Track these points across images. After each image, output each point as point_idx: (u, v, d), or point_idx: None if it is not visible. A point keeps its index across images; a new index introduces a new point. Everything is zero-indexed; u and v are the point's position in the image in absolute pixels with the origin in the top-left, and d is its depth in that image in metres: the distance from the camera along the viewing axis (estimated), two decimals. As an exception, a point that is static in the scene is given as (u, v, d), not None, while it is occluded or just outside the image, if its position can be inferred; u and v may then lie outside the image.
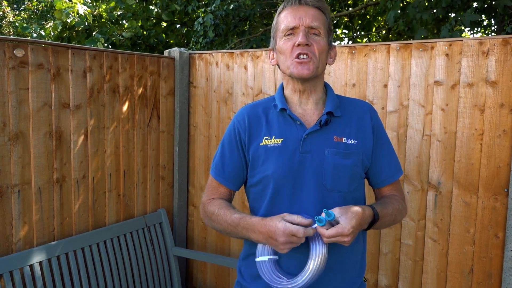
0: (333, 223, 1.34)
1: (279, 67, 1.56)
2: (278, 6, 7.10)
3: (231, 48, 6.45)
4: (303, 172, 1.49)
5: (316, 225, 1.34)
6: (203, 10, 6.66)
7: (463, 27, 4.59)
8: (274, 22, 1.55)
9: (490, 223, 2.42)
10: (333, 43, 1.57)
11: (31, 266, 2.51)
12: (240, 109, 1.66)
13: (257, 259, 1.47)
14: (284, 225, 1.33)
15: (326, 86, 1.62)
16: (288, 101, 1.57)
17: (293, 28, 1.46)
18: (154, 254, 3.29)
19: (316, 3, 1.48)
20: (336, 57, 1.61)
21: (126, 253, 3.06)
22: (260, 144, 1.54)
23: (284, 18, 1.49)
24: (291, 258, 1.48)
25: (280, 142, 1.51)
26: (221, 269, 3.54)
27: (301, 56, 1.45)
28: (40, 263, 2.56)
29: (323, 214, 1.34)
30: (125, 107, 3.13)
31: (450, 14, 4.86)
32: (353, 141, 1.52)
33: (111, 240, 2.99)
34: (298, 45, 1.44)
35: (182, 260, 3.65)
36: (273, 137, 1.53)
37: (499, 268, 2.41)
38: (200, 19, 6.23)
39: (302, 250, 1.42)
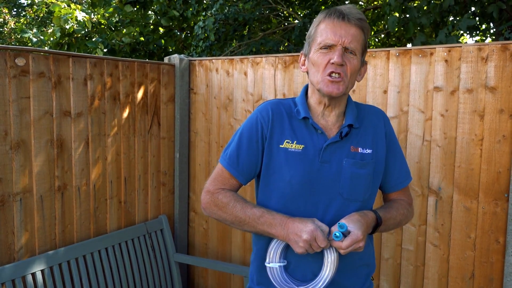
0: (345, 233, 1.38)
1: (307, 75, 1.56)
2: (278, 11, 7.14)
3: (230, 52, 6.47)
4: (321, 181, 1.51)
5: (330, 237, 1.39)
6: (203, 14, 6.69)
7: (461, 31, 4.60)
8: (312, 29, 1.52)
9: (490, 228, 2.43)
10: (365, 60, 1.56)
11: (33, 275, 2.51)
12: (263, 103, 1.63)
13: (267, 264, 1.49)
14: (316, 227, 1.37)
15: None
16: (311, 110, 1.57)
17: (331, 45, 1.44)
18: (156, 260, 3.29)
19: (359, 22, 1.45)
20: (365, 73, 1.61)
21: (127, 260, 3.06)
22: (281, 146, 1.54)
23: (323, 31, 1.45)
24: (301, 263, 1.51)
25: (301, 148, 1.52)
26: (222, 275, 3.54)
27: (333, 75, 1.44)
28: (42, 271, 2.56)
29: (336, 227, 1.38)
30: (125, 114, 3.14)
31: (448, 18, 4.88)
32: (369, 151, 1.55)
33: (113, 247, 2.99)
34: (333, 63, 1.43)
35: (184, 267, 3.65)
36: (295, 142, 1.53)
37: (500, 273, 2.42)
38: (200, 23, 6.26)
39: (312, 256, 1.46)
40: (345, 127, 1.53)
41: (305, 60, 1.57)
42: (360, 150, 1.53)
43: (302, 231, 1.37)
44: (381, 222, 1.50)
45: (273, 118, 1.56)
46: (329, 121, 1.56)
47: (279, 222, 1.43)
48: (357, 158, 1.52)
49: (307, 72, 1.55)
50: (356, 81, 1.55)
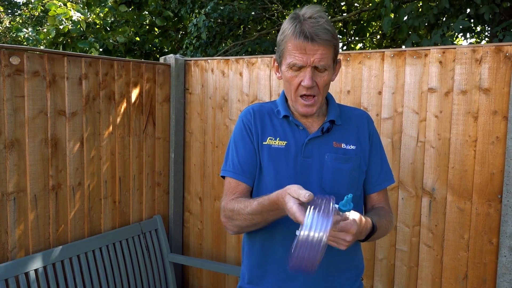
0: (341, 215, 1.25)
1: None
2: (273, 10, 7.15)
3: (225, 51, 6.47)
4: (305, 176, 1.52)
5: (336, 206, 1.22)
6: (197, 11, 6.69)
7: (455, 33, 4.63)
8: (281, 41, 1.49)
9: (484, 229, 2.44)
10: (338, 59, 1.55)
11: (27, 274, 2.50)
12: (246, 107, 1.68)
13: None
14: (291, 206, 1.22)
15: (328, 97, 1.65)
16: (291, 110, 1.60)
17: (300, 67, 1.43)
18: (150, 260, 3.29)
19: (326, 42, 1.41)
20: (339, 69, 1.61)
21: (122, 260, 3.06)
22: (264, 143, 1.57)
23: (291, 52, 1.43)
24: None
25: (284, 144, 1.55)
26: (217, 275, 3.54)
27: (307, 97, 1.47)
28: (36, 270, 2.55)
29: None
30: (120, 114, 3.13)
31: (442, 19, 4.90)
32: (352, 147, 1.57)
33: (107, 247, 2.98)
34: (304, 86, 1.44)
35: (178, 267, 3.65)
36: (277, 138, 1.56)
37: (493, 274, 2.43)
38: (194, 20, 6.27)
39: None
40: (327, 123, 1.56)
41: (278, 67, 1.56)
42: (343, 145, 1.55)
43: (286, 189, 1.27)
44: (375, 231, 1.45)
45: (255, 118, 1.60)
46: (309, 118, 1.59)
47: (276, 205, 1.33)
48: (340, 153, 1.54)
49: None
50: (331, 81, 1.55)
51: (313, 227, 1.14)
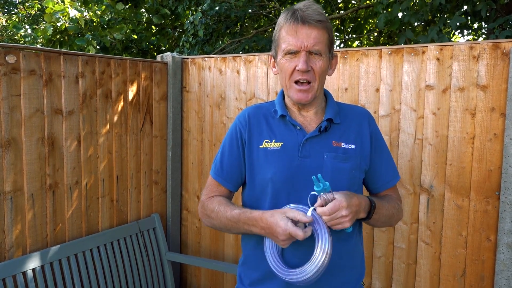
0: (327, 200, 1.37)
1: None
2: (270, 8, 7.14)
3: (222, 49, 6.47)
4: (302, 176, 1.51)
5: (314, 207, 1.37)
6: (194, 9, 6.70)
7: (452, 30, 4.63)
8: (276, 33, 1.52)
9: (482, 226, 2.45)
10: (334, 53, 1.56)
11: (24, 273, 2.50)
12: (243, 110, 1.68)
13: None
14: (286, 225, 1.34)
15: (326, 94, 1.64)
16: (288, 109, 1.60)
17: (295, 52, 1.45)
18: (148, 259, 3.28)
19: (319, 24, 1.44)
20: (336, 65, 1.61)
21: (119, 259, 3.05)
22: (260, 146, 1.56)
23: (285, 37, 1.46)
24: (296, 250, 1.48)
25: (280, 146, 1.54)
26: (215, 274, 3.53)
27: (301, 81, 1.46)
28: (34, 270, 2.55)
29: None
30: (117, 112, 3.12)
31: (438, 16, 4.90)
32: (352, 146, 1.55)
33: (105, 246, 2.98)
34: (299, 70, 1.44)
35: (176, 265, 3.64)
36: (273, 140, 1.55)
37: (491, 271, 2.43)
38: (190, 18, 6.28)
39: (306, 242, 1.40)
40: (324, 122, 1.55)
41: (274, 62, 1.58)
42: (343, 144, 1.54)
43: (277, 233, 1.36)
44: (375, 206, 1.47)
45: (250, 122, 1.61)
46: (307, 117, 1.58)
47: (255, 222, 1.44)
48: (339, 152, 1.53)
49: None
50: (328, 76, 1.56)
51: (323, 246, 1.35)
